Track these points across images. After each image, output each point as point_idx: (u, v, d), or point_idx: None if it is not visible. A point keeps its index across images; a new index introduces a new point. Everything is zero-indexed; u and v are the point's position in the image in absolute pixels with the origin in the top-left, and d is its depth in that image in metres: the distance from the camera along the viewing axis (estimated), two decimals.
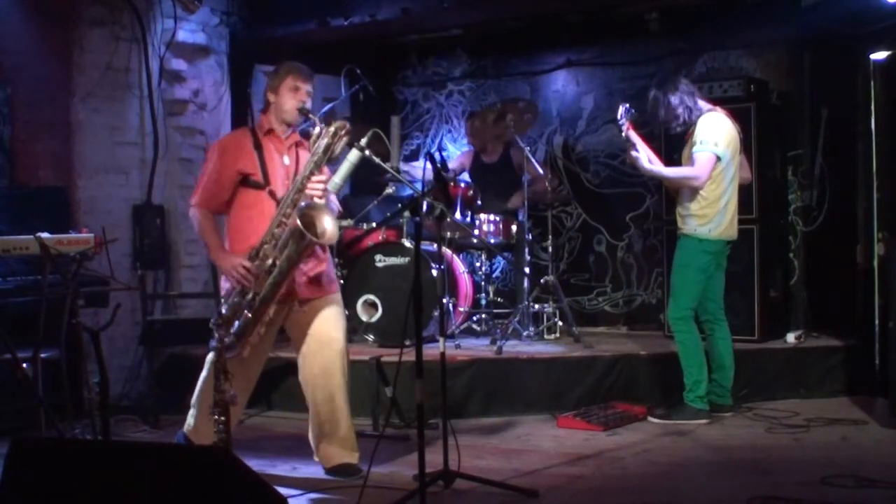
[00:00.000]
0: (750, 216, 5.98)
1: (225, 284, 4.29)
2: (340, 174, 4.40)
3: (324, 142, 4.20)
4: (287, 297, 4.29)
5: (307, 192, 4.17)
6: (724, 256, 5.49)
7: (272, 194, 4.28)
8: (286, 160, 4.37)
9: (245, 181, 4.29)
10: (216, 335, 4.09)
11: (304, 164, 4.25)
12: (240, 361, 4.21)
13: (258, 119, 4.48)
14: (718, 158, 5.26)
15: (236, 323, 4.13)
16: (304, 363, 4.39)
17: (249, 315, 4.12)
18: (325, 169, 4.32)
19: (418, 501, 3.73)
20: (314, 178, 4.18)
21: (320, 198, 4.20)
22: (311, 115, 4.32)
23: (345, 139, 4.24)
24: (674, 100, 5.33)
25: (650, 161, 5.45)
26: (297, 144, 4.44)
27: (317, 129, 4.23)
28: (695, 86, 5.49)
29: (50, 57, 6.05)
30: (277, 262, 4.11)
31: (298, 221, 4.04)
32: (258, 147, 4.32)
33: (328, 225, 4.11)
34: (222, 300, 4.26)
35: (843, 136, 6.36)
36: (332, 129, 4.22)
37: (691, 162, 5.31)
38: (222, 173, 4.30)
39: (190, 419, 4.42)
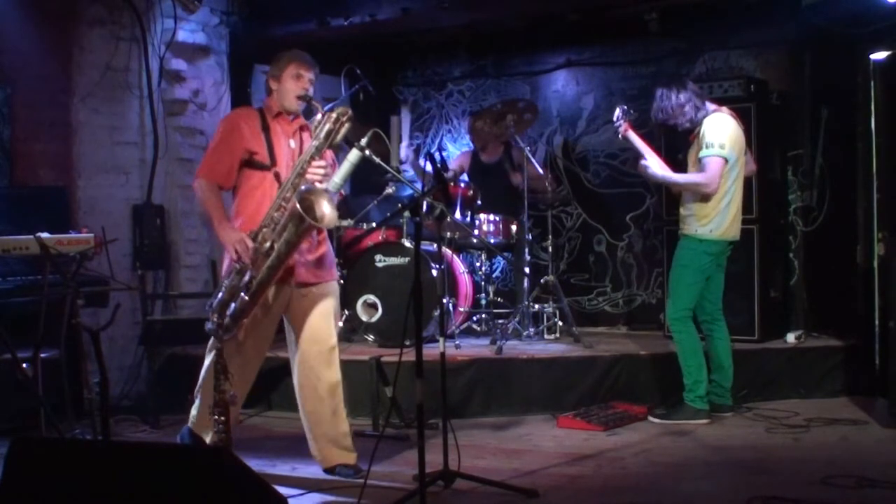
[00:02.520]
0: (750, 216, 5.97)
1: (225, 263, 4.28)
2: (340, 174, 4.41)
3: (326, 127, 4.21)
4: (285, 279, 4.28)
5: (308, 176, 4.17)
6: (725, 257, 5.48)
7: (277, 176, 4.28)
8: (292, 143, 4.38)
9: (251, 161, 4.29)
10: (213, 317, 4.10)
11: (306, 149, 4.26)
12: (239, 358, 4.21)
13: (265, 102, 4.47)
14: (725, 160, 5.25)
15: (232, 305, 4.12)
16: (300, 362, 4.39)
17: (246, 298, 4.11)
18: (327, 153, 4.32)
19: (418, 501, 3.73)
20: (315, 163, 4.19)
21: (320, 182, 4.21)
22: (312, 102, 4.33)
23: (347, 125, 4.24)
24: (683, 97, 5.32)
25: (662, 167, 5.44)
26: (302, 129, 4.45)
27: (318, 116, 4.25)
28: (700, 87, 5.50)
29: (50, 57, 6.05)
30: (276, 246, 4.10)
31: (298, 205, 4.04)
32: (266, 128, 4.33)
33: (327, 209, 4.10)
34: (223, 281, 4.25)
35: (843, 136, 6.36)
36: (334, 115, 4.23)
37: (701, 166, 5.28)
38: (231, 146, 4.29)
39: (194, 411, 4.41)
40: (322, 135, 4.21)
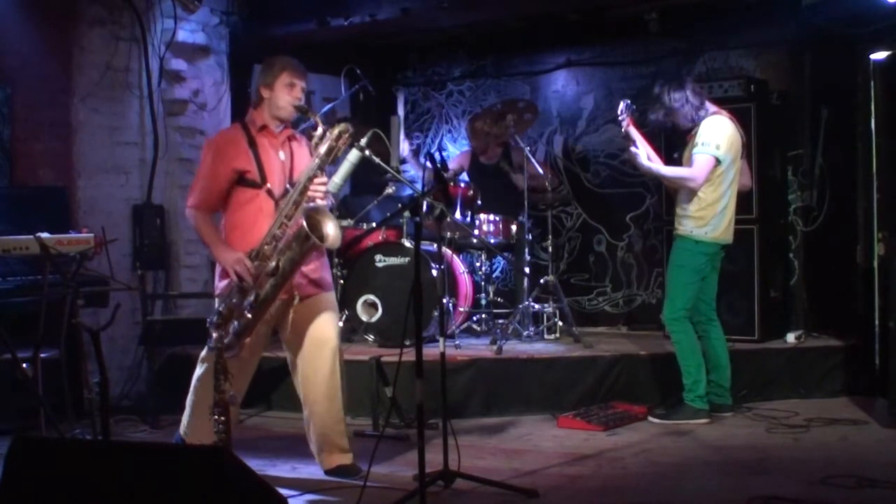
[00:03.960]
0: (750, 216, 5.98)
1: (220, 283, 4.27)
2: (340, 174, 4.41)
3: (326, 145, 4.18)
4: (287, 298, 4.29)
5: (310, 194, 4.16)
6: (719, 259, 5.49)
7: (269, 192, 4.26)
8: (281, 155, 4.35)
9: (241, 180, 4.26)
10: (214, 335, 4.09)
11: (304, 163, 4.24)
12: (236, 366, 4.20)
13: (249, 115, 4.43)
14: (718, 161, 5.25)
15: (235, 323, 4.12)
16: (301, 365, 4.39)
17: (249, 316, 4.11)
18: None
19: (418, 501, 3.73)
20: (316, 181, 4.17)
21: (322, 200, 4.21)
22: (310, 114, 4.31)
23: (348, 142, 4.23)
24: (683, 95, 5.32)
25: (649, 158, 5.45)
26: (290, 138, 4.41)
27: (319, 131, 4.21)
28: (700, 87, 5.50)
29: (50, 57, 6.05)
30: (280, 264, 4.09)
31: (304, 223, 4.03)
32: (252, 144, 4.29)
33: (332, 229, 4.10)
34: (217, 300, 4.25)
35: (843, 136, 6.36)
36: (335, 131, 4.19)
37: (690, 163, 5.31)
38: (218, 174, 4.27)
39: (184, 419, 4.41)
40: (323, 152, 4.18)
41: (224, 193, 4.28)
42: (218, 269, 4.31)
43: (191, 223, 4.36)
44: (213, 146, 4.39)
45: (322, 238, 4.07)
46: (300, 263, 4.16)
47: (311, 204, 4.14)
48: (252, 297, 4.10)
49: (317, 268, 4.36)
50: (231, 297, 4.15)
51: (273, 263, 4.09)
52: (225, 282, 4.22)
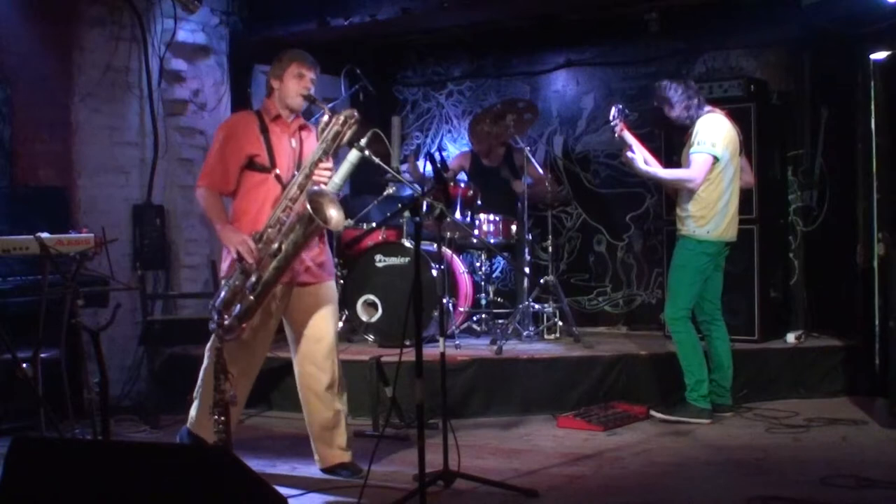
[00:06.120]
0: (750, 216, 5.98)
1: (225, 264, 4.30)
2: (340, 174, 4.42)
3: (333, 129, 4.24)
4: (288, 284, 4.31)
5: (314, 178, 4.20)
6: (723, 258, 5.49)
7: (278, 178, 4.30)
8: (293, 143, 4.40)
9: (251, 164, 4.31)
10: (216, 317, 4.10)
11: (312, 150, 4.29)
12: (243, 358, 4.21)
13: (264, 103, 4.49)
14: (716, 159, 5.26)
15: (237, 306, 4.13)
16: (299, 361, 4.41)
17: (252, 298, 4.12)
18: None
19: (418, 501, 3.73)
20: (321, 165, 4.22)
21: (326, 184, 4.23)
22: (317, 103, 4.35)
23: (354, 128, 4.27)
24: (685, 92, 5.34)
25: (646, 162, 5.45)
26: (302, 128, 4.47)
27: (326, 117, 4.27)
28: (698, 87, 5.51)
29: (50, 57, 6.06)
30: (283, 247, 4.12)
31: (308, 206, 4.05)
32: (265, 131, 4.35)
33: (334, 212, 4.14)
34: (222, 281, 4.26)
35: (843, 136, 6.36)
36: (342, 117, 4.26)
37: (687, 163, 5.31)
38: (229, 154, 4.32)
39: (193, 412, 4.42)
40: (329, 137, 4.24)
41: (233, 175, 4.32)
42: (224, 252, 4.33)
43: (199, 203, 4.40)
44: (225, 128, 4.47)
45: (325, 220, 4.09)
46: (303, 246, 4.18)
47: (315, 187, 4.17)
48: (254, 279, 4.12)
49: (317, 255, 4.39)
50: (234, 279, 4.17)
51: (276, 245, 4.12)
52: (228, 262, 4.25)
